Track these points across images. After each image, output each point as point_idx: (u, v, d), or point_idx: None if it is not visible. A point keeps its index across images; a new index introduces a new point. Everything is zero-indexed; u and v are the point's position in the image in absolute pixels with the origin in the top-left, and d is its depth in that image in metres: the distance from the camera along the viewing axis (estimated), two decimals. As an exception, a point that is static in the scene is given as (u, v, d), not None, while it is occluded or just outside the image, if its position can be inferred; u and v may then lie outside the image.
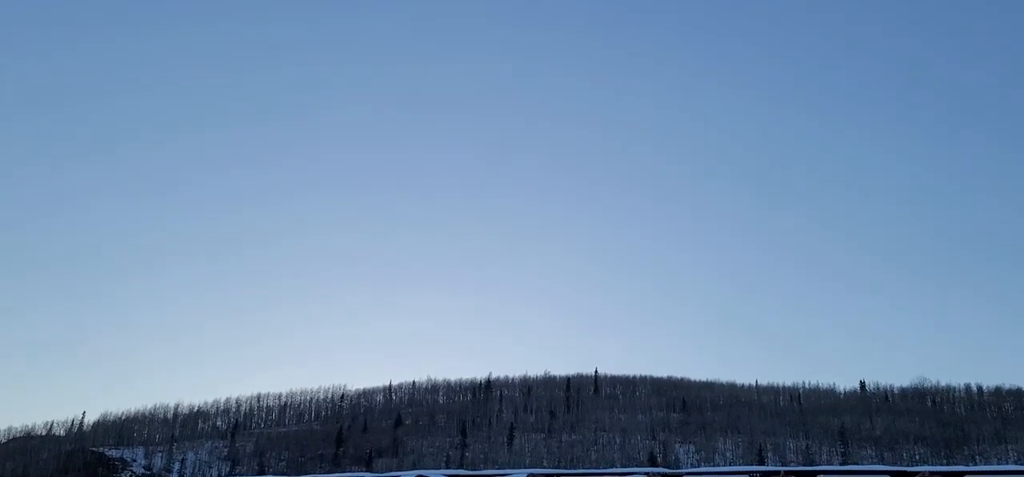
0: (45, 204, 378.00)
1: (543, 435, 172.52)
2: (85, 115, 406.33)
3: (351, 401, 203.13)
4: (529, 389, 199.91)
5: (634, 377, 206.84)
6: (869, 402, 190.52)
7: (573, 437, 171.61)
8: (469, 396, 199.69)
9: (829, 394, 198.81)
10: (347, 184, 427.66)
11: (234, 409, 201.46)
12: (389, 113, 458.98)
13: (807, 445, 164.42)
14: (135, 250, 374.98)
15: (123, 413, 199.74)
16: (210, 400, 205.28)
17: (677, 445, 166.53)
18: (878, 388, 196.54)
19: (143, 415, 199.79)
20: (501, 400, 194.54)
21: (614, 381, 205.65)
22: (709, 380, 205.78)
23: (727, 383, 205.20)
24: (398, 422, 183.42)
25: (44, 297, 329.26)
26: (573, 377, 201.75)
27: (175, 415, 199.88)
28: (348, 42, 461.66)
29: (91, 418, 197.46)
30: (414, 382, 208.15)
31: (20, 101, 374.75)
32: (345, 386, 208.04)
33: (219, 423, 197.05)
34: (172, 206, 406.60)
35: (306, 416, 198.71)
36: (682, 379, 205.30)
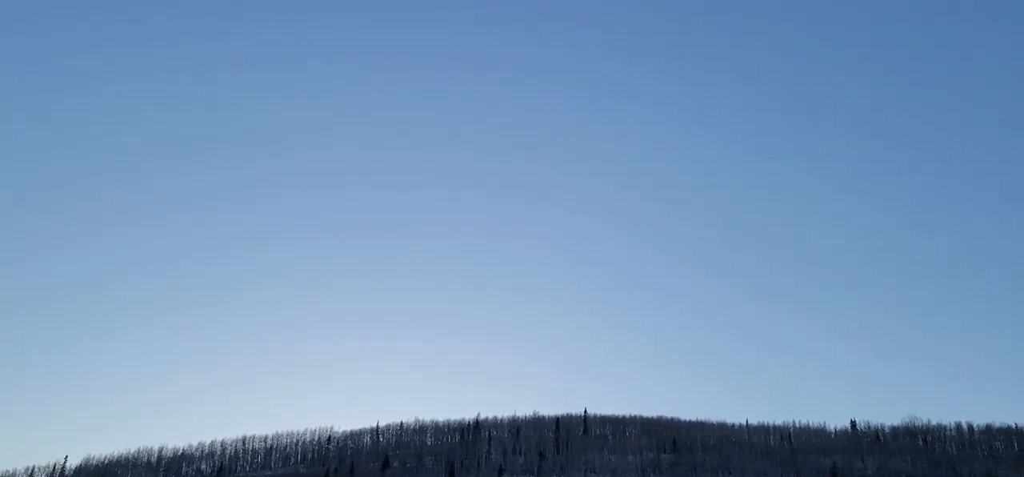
0: (25, 247, 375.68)
1: (532, 476, 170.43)
2: (60, 159, 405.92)
3: (338, 443, 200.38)
4: (518, 429, 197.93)
5: (624, 417, 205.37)
6: (860, 441, 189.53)
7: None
8: (457, 437, 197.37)
9: (820, 433, 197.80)
10: (333, 227, 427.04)
11: (219, 452, 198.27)
12: (377, 155, 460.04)
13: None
14: (117, 291, 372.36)
15: (106, 457, 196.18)
16: (195, 443, 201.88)
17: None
18: (869, 427, 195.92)
19: (126, 459, 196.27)
20: (490, 441, 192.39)
21: (603, 421, 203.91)
22: (699, 420, 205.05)
23: (717, 422, 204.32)
24: (385, 464, 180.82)
25: (24, 339, 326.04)
26: (562, 417, 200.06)
27: (159, 458, 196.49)
28: (341, 75, 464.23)
29: (74, 462, 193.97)
30: (402, 423, 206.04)
31: None
32: (332, 428, 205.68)
33: (204, 467, 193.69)
34: (156, 247, 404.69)
35: (292, 459, 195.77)
36: (672, 419, 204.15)
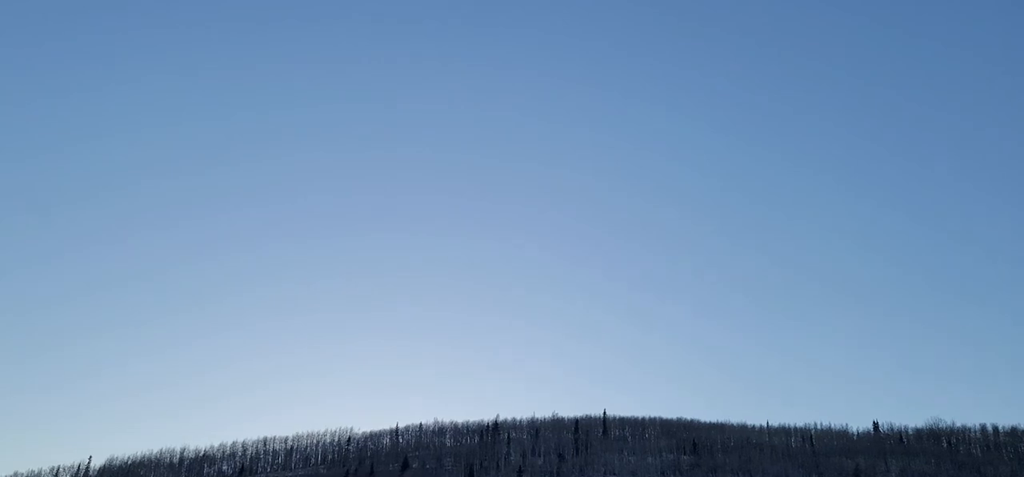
0: (50, 248, 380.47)
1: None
2: (77, 158, 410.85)
3: (358, 444, 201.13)
4: (537, 431, 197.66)
5: (643, 419, 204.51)
6: (883, 443, 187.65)
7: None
8: (476, 438, 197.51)
9: (842, 435, 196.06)
10: (353, 227, 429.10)
11: (240, 453, 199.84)
12: (394, 155, 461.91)
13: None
14: (139, 291, 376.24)
15: (129, 457, 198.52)
16: (216, 444, 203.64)
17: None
18: (892, 429, 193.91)
19: (149, 459, 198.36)
20: (509, 442, 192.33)
21: (623, 423, 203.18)
22: (719, 421, 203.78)
23: (738, 425, 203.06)
24: (405, 466, 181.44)
25: (49, 340, 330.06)
26: (581, 419, 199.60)
27: (181, 459, 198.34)
28: (360, 76, 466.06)
29: (98, 463, 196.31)
30: (421, 425, 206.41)
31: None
32: (351, 429, 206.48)
33: (226, 467, 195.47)
34: (177, 247, 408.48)
35: (313, 459, 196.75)
36: (692, 421, 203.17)
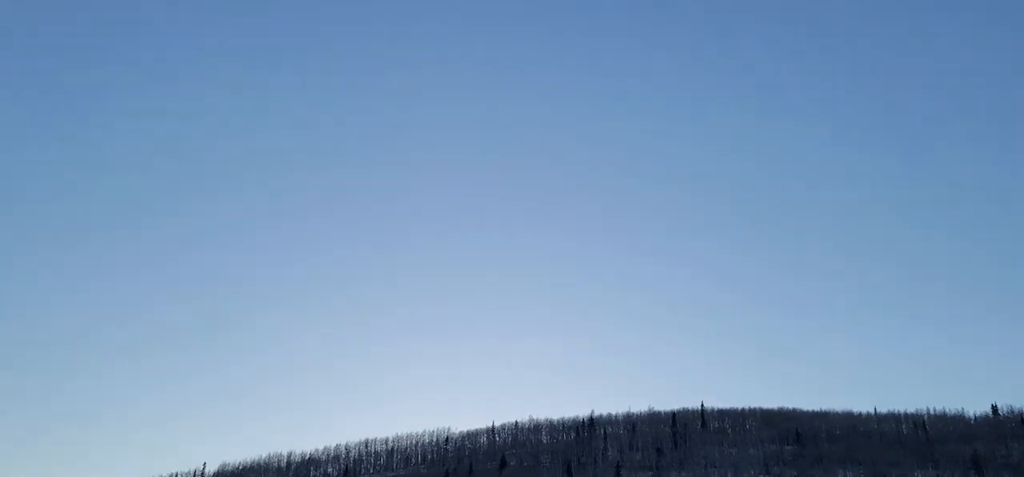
0: (160, 251, 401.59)
1: (651, 472, 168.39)
2: (187, 158, 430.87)
3: (455, 444, 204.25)
4: (633, 426, 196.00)
5: (742, 409, 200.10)
6: (1003, 427, 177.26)
7: (682, 474, 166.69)
8: (572, 435, 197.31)
9: (958, 420, 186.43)
10: (449, 227, 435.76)
11: (343, 455, 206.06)
12: (487, 156, 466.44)
13: (937, 476, 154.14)
14: (244, 302, 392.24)
15: (240, 463, 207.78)
16: (321, 447, 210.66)
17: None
18: (1012, 411, 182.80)
19: (259, 464, 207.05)
20: (605, 438, 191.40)
21: (722, 414, 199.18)
22: (823, 409, 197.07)
23: (843, 412, 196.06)
24: (503, 464, 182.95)
25: (163, 352, 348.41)
26: (678, 412, 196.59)
27: (288, 463, 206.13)
28: (455, 77, 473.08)
29: (211, 468, 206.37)
30: (517, 422, 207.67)
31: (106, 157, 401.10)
32: (449, 428, 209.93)
33: (330, 470, 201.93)
34: (278, 255, 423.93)
35: (413, 460, 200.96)
36: (794, 410, 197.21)
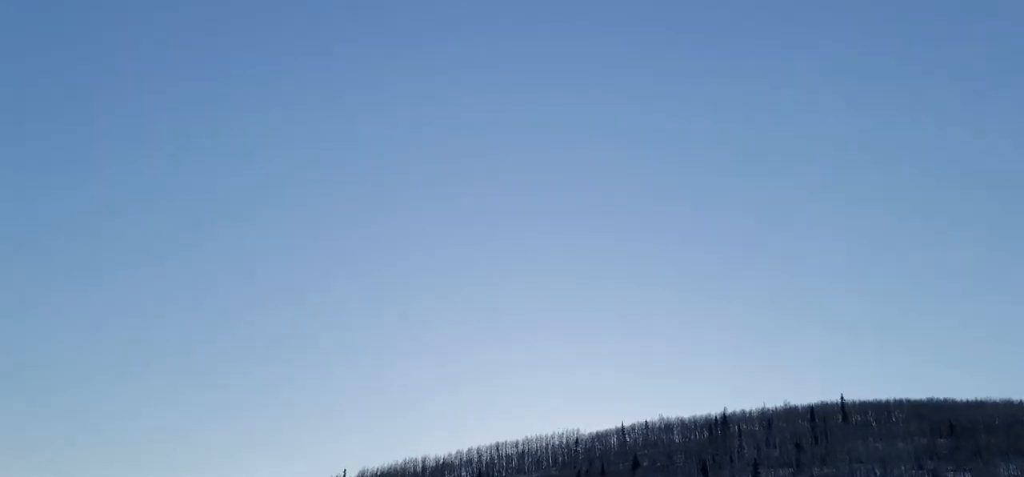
0: (291, 261, 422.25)
1: (791, 470, 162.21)
2: (326, 156, 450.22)
3: (585, 445, 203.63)
4: (769, 422, 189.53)
5: (887, 401, 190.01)
6: None
7: (825, 471, 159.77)
8: (705, 433, 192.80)
9: None
10: (576, 226, 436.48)
11: (476, 459, 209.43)
12: (606, 158, 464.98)
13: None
14: (377, 305, 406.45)
15: (378, 468, 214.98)
16: (454, 451, 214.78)
17: (949, 473, 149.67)
18: None
19: (396, 469, 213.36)
20: (740, 435, 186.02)
21: (864, 407, 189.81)
22: (978, 399, 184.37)
23: (1002, 401, 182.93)
24: (635, 464, 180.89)
25: (300, 355, 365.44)
26: (817, 406, 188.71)
27: (423, 467, 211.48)
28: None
29: (352, 474, 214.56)
30: (647, 422, 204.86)
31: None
32: (578, 430, 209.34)
33: (463, 474, 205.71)
34: (407, 256, 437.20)
35: (544, 462, 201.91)
36: (945, 400, 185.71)
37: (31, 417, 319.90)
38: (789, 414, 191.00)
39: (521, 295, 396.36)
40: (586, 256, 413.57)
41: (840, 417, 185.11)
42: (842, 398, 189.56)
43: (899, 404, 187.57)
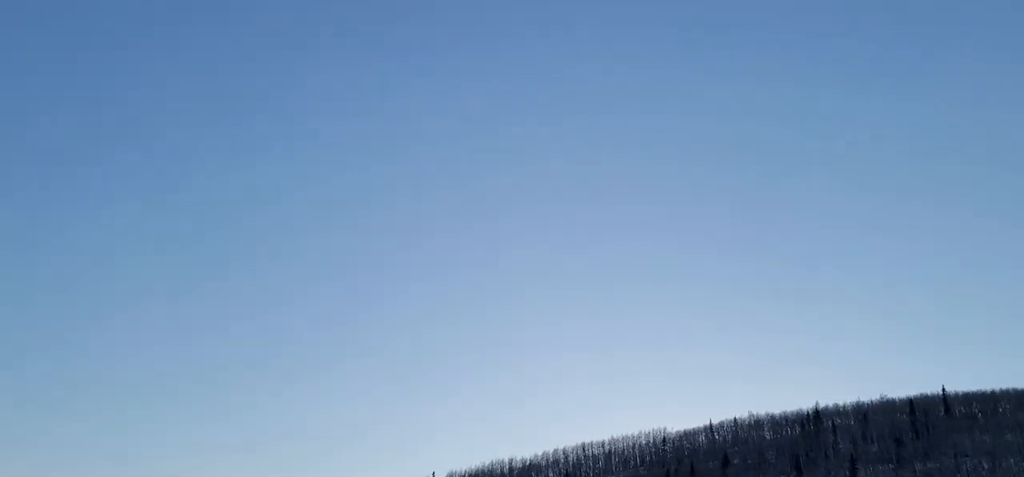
0: (377, 260, 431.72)
1: (892, 466, 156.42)
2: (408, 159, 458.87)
3: (673, 444, 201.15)
4: (865, 415, 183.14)
5: (993, 392, 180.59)
6: None
7: (928, 466, 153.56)
8: (797, 429, 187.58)
9: None
10: (660, 227, 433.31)
11: (562, 460, 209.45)
12: (675, 159, 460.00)
13: None
14: (461, 318, 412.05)
15: (465, 471, 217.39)
16: (539, 453, 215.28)
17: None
18: None
19: (483, 471, 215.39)
20: (834, 430, 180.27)
21: (968, 399, 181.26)
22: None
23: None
24: (726, 462, 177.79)
25: (387, 365, 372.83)
26: (916, 398, 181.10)
27: (510, 469, 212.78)
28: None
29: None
30: (735, 419, 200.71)
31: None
32: (665, 429, 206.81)
33: (551, 475, 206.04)
34: (483, 259, 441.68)
35: (631, 462, 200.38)
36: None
37: (126, 420, 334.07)
38: (886, 407, 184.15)
39: (604, 297, 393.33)
40: (664, 258, 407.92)
41: (942, 409, 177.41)
42: (943, 389, 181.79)
43: (1005, 394, 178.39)
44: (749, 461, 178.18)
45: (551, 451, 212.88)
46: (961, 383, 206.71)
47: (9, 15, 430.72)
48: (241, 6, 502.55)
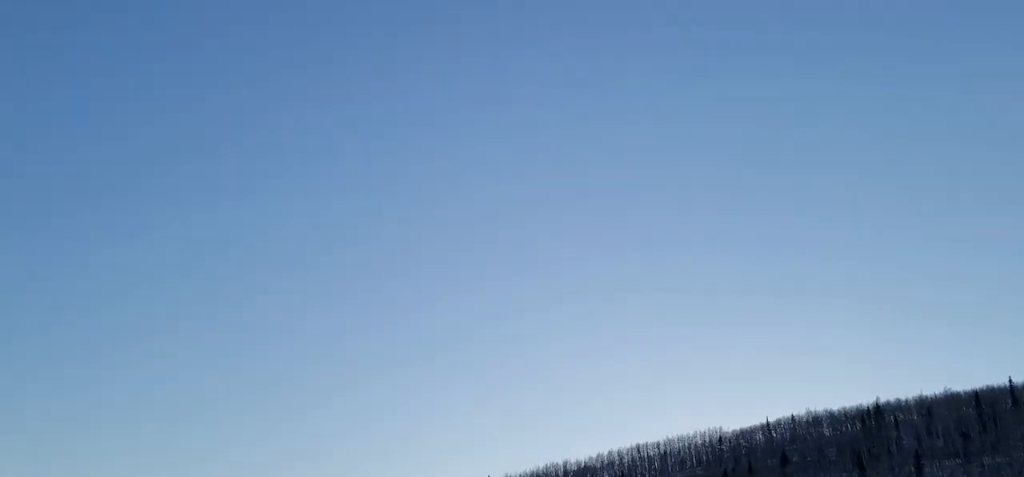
0: (429, 261, 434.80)
1: (958, 460, 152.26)
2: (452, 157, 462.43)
3: (730, 443, 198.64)
4: (928, 410, 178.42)
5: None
6: None
7: (996, 459, 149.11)
8: (858, 425, 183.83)
9: None
10: (686, 233, 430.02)
11: (617, 462, 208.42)
12: (715, 161, 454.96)
13: None
14: (515, 319, 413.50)
15: (520, 474, 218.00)
16: (594, 454, 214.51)
17: None
18: None
19: (537, 474, 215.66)
20: (896, 425, 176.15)
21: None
22: None
23: None
24: (784, 461, 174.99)
25: (441, 367, 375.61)
26: (982, 391, 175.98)
27: (565, 471, 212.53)
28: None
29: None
30: (793, 416, 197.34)
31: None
32: (721, 427, 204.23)
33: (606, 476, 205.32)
34: (542, 260, 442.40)
35: (688, 463, 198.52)
36: None
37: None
38: (951, 401, 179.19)
39: (657, 298, 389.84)
40: (717, 258, 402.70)
41: (1010, 401, 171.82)
42: (1010, 381, 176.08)
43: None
44: (808, 458, 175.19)
45: (606, 453, 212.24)
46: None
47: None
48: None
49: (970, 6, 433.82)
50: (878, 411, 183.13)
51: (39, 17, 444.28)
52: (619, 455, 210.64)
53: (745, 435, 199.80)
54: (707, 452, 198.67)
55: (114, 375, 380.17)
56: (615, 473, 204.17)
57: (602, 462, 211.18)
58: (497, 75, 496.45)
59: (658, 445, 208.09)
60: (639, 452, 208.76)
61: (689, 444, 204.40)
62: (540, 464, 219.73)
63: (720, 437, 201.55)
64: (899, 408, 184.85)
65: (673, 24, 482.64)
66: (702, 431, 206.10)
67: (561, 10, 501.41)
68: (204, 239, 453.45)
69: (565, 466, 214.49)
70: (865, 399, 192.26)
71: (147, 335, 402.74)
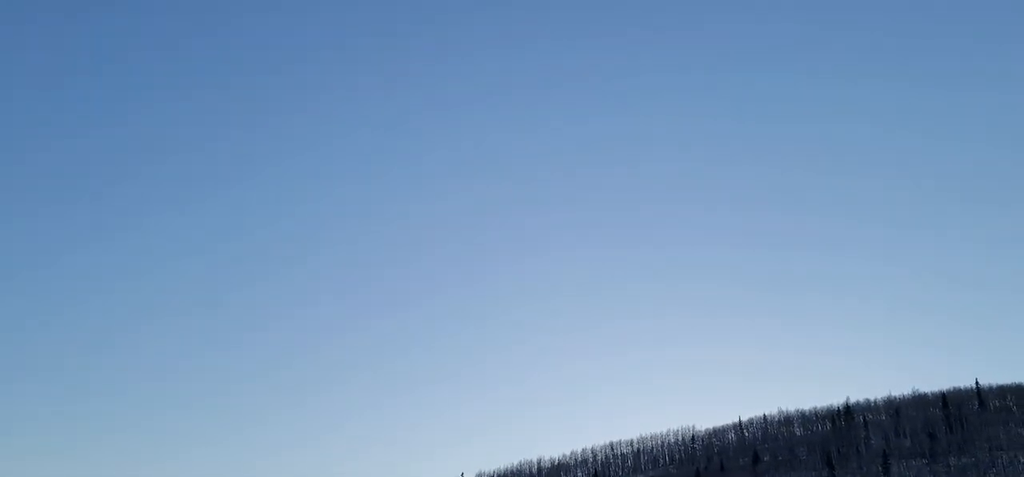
0: (411, 281, 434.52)
1: (925, 461, 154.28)
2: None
3: (702, 441, 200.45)
4: (897, 410, 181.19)
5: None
6: None
7: (962, 460, 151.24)
8: (828, 425, 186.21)
9: None
10: (673, 227, 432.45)
11: (591, 459, 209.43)
12: (703, 160, 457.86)
13: None
14: (490, 318, 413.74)
15: (494, 471, 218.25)
16: (568, 452, 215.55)
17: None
18: None
19: (512, 471, 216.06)
20: (866, 426, 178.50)
21: (1003, 391, 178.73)
22: None
23: None
24: (756, 460, 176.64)
25: (415, 365, 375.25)
26: (949, 392, 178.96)
27: (539, 469, 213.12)
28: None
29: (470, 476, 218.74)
30: (765, 416, 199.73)
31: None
32: (693, 426, 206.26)
33: (580, 474, 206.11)
34: (521, 256, 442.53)
35: (661, 461, 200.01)
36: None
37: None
38: (918, 402, 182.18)
39: (631, 296, 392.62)
40: (690, 256, 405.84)
41: (976, 403, 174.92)
42: (977, 382, 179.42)
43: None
44: (779, 458, 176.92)
45: (579, 450, 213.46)
46: (995, 376, 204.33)
47: (17, 22, 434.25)
48: (249, 12, 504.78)
49: (980, 6, 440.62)
50: (848, 411, 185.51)
51: (24, 12, 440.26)
52: (593, 453, 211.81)
53: (717, 434, 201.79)
54: (680, 450, 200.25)
55: (100, 372, 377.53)
56: (588, 471, 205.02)
57: (576, 459, 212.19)
58: (462, 76, 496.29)
59: (631, 443, 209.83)
60: (612, 450, 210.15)
61: (662, 442, 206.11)
62: (514, 461, 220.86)
63: (693, 436, 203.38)
64: (869, 409, 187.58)
65: (679, 21, 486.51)
66: (675, 430, 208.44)
67: (561, 10, 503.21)
68: (181, 237, 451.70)
69: (539, 463, 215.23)
70: (836, 399, 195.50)
71: (133, 330, 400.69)
